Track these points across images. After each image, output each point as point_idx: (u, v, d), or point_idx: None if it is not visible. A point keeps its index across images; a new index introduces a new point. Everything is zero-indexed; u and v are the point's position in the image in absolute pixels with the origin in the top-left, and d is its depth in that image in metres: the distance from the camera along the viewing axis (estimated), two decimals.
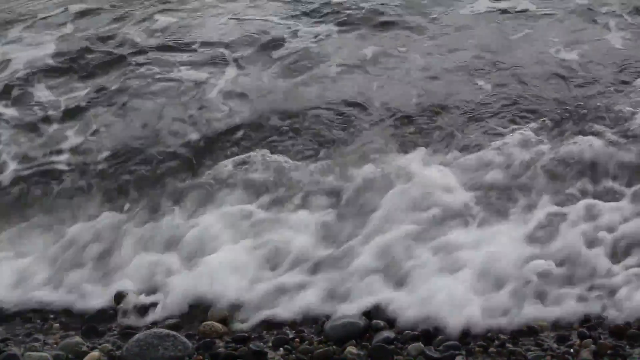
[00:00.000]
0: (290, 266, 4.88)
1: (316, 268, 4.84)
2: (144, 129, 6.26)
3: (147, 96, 6.67)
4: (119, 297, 4.77)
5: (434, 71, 6.74)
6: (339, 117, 6.19)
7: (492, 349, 4.17)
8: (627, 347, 4.11)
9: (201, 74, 6.94)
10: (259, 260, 4.92)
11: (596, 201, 5.09)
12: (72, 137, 6.28)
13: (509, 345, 4.17)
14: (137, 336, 4.36)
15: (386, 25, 7.62)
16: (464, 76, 6.62)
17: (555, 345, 4.16)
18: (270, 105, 6.40)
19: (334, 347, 4.27)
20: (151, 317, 4.64)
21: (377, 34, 7.49)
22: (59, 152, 6.12)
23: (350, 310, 4.50)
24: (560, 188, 5.26)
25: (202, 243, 5.06)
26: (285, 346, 4.33)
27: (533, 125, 5.87)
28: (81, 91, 6.84)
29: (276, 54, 7.22)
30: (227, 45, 7.39)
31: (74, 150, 6.14)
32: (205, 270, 4.82)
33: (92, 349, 4.38)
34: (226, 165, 5.72)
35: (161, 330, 4.39)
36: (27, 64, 7.26)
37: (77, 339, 4.47)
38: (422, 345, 4.21)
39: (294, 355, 4.25)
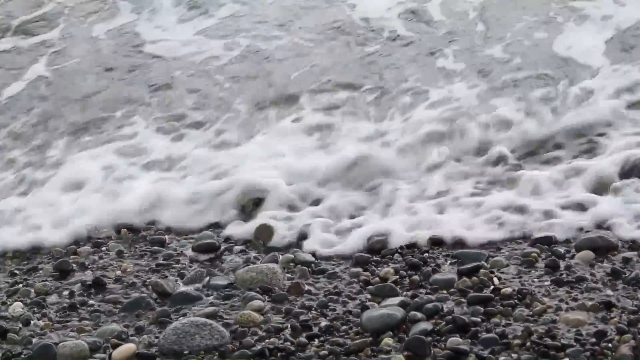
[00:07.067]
0: None
1: None
2: None
3: None
4: None
5: None
6: None
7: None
8: None
9: None
10: None
11: None
12: None
13: (546, 339, 4.14)
14: (173, 324, 4.37)
15: None
16: None
17: (593, 340, 4.13)
18: None
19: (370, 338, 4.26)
20: None
21: None
22: None
23: None
24: None
25: None
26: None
27: None
28: None
29: None
30: None
31: None
32: None
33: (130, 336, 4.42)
34: None
35: (198, 319, 4.40)
36: None
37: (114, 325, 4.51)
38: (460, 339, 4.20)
39: (328, 346, 4.24)
